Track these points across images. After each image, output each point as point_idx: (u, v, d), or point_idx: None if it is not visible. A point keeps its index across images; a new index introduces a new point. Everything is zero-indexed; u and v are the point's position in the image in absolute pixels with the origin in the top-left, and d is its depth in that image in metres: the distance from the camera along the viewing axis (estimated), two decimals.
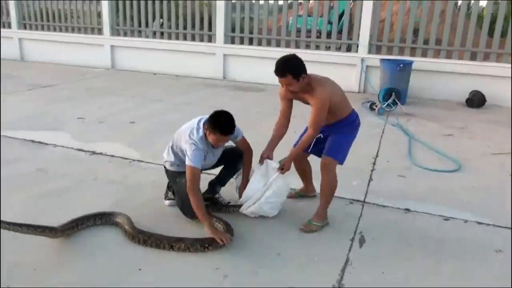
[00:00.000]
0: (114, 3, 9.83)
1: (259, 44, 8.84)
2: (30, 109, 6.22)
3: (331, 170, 3.04)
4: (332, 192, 3.09)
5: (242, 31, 8.94)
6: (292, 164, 3.18)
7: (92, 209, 3.19)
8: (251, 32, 8.89)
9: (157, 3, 9.51)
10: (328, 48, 8.45)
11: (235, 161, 3.24)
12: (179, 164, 3.08)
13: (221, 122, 2.82)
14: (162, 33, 9.67)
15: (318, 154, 3.14)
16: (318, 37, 8.52)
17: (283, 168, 3.04)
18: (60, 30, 10.53)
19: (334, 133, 3.08)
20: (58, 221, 2.98)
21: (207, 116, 2.96)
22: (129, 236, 2.79)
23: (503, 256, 2.80)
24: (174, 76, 9.28)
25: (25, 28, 10.85)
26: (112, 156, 4.39)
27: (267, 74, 8.42)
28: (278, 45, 8.71)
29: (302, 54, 8.03)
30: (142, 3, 9.59)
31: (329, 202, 3.10)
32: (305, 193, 3.54)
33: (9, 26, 10.91)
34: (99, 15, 10.05)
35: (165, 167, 3.24)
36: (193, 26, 9.32)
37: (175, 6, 9.36)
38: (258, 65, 8.72)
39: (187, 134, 2.91)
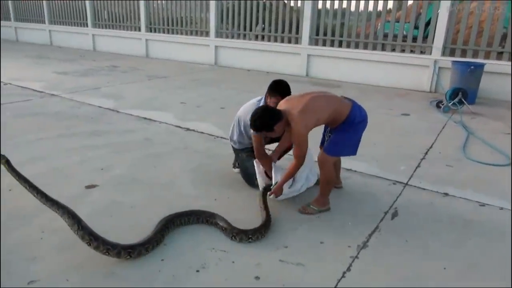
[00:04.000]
0: (219, 12, 10.44)
1: (339, 45, 8.80)
2: (147, 94, 6.96)
3: (325, 164, 2.85)
4: (327, 182, 2.92)
5: (325, 34, 8.97)
6: None
7: (179, 168, 3.65)
8: (332, 35, 8.88)
9: (254, 11, 9.89)
10: (402, 51, 8.16)
11: None
12: (241, 142, 3.33)
13: (281, 86, 3.03)
14: (256, 36, 10.05)
15: None
16: (394, 40, 8.22)
17: (274, 193, 2.93)
18: (176, 33, 11.43)
19: (335, 132, 2.90)
20: (155, 174, 3.49)
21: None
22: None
23: None
24: (264, 73, 9.59)
25: (150, 31, 11.96)
26: (202, 132, 4.83)
27: (344, 73, 8.51)
28: (356, 46, 8.61)
29: (378, 55, 8.01)
30: (242, 12, 10.06)
31: (327, 191, 2.94)
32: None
33: (139, 29, 12.09)
34: (207, 21, 10.74)
35: (232, 145, 3.49)
36: (282, 30, 9.56)
37: (269, 13, 9.70)
38: (337, 64, 8.74)
39: (253, 107, 3.02)
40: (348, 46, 8.69)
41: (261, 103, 3.15)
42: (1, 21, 16.25)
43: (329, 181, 2.95)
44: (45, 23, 14.72)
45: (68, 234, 2.27)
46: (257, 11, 9.86)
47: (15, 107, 5.80)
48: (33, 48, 13.58)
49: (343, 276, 2.24)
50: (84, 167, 3.68)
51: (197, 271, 2.26)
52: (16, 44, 14.94)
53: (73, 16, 13.86)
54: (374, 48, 8.40)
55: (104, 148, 4.19)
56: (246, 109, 3.22)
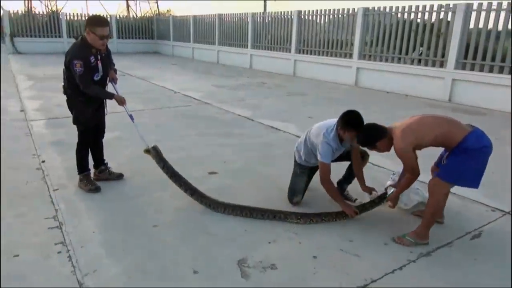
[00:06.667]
0: (364, 35, 10.79)
1: (491, 71, 8.17)
2: (281, 107, 7.80)
3: (434, 190, 2.72)
4: (432, 213, 2.77)
5: (474, 58, 8.44)
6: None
7: (286, 169, 4.22)
8: (483, 59, 8.29)
9: (399, 33, 9.89)
10: None
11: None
12: (307, 161, 3.33)
13: (354, 119, 2.89)
14: (412, 60, 10.00)
15: None
16: None
17: (391, 200, 3.13)
18: (321, 54, 12.18)
19: (448, 157, 2.75)
20: (264, 170, 4.17)
21: None
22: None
23: None
24: (403, 96, 9.51)
25: (299, 52, 13.01)
26: None
27: (494, 100, 7.84)
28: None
29: None
30: (387, 34, 10.20)
31: (430, 222, 2.78)
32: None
33: (289, 51, 13.28)
34: (351, 43, 11.20)
35: (295, 155, 3.48)
36: (427, 53, 9.34)
37: (414, 36, 9.59)
38: (486, 90, 8.12)
39: (323, 132, 3.02)
40: (501, 71, 8.01)
41: (331, 134, 3.03)
42: (182, 42, 19.76)
43: (435, 212, 2.80)
44: (215, 44, 17.32)
45: (185, 201, 3.09)
46: (402, 35, 9.84)
47: (177, 110, 7.32)
48: (203, 65, 16.15)
49: (391, 272, 2.48)
50: (211, 158, 4.61)
51: (269, 242, 2.80)
52: (191, 61, 17.94)
53: (236, 39, 16.00)
54: None
55: (231, 146, 5.09)
56: (315, 131, 3.19)
